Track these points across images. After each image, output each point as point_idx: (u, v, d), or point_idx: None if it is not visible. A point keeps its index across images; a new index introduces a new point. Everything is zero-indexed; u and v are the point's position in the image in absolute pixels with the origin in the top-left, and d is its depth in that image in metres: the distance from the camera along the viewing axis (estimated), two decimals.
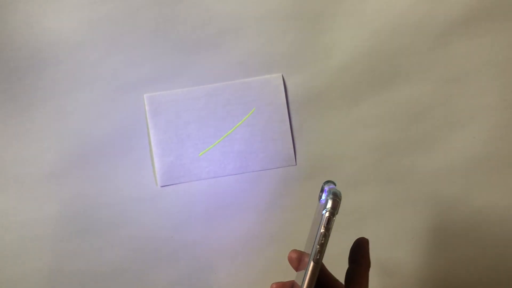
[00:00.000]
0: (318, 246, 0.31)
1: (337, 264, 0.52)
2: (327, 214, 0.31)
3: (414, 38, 0.53)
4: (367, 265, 0.35)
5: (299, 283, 0.32)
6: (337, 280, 0.37)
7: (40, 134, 0.51)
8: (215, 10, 0.52)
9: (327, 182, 0.34)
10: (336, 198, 0.31)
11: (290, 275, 0.53)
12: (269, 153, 0.53)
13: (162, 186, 0.52)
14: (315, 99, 0.53)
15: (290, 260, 0.38)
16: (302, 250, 0.38)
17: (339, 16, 0.53)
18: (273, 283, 0.37)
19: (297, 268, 0.37)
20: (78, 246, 0.51)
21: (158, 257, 0.52)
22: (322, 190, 0.34)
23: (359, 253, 0.36)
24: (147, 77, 0.52)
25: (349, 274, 0.35)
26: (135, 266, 0.52)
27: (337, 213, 0.31)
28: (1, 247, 0.51)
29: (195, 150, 0.52)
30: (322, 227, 0.31)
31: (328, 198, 0.31)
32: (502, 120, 0.54)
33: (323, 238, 0.31)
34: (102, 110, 0.52)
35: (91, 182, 0.51)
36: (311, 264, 0.31)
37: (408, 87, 0.53)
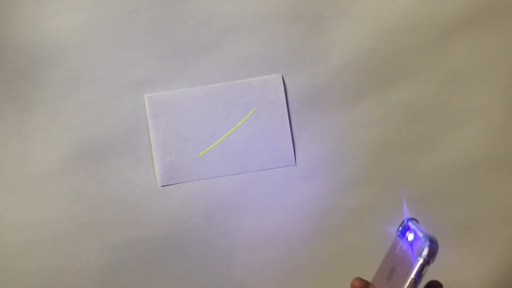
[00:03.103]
0: None
1: (335, 263, 0.52)
2: (421, 261, 0.30)
3: (414, 38, 0.53)
4: None
5: None
6: None
7: (40, 134, 0.51)
8: (215, 10, 0.52)
9: (412, 219, 0.33)
10: (434, 246, 0.30)
11: (289, 274, 0.53)
12: (269, 153, 0.53)
13: (162, 186, 0.52)
14: (315, 99, 0.53)
15: (353, 287, 0.37)
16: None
17: (339, 16, 0.53)
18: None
19: None
20: (78, 246, 0.51)
21: (158, 257, 0.52)
22: (402, 225, 0.33)
23: None
24: (148, 77, 0.52)
25: None
26: (135, 266, 0.52)
27: (432, 262, 0.30)
28: (1, 247, 0.51)
29: (195, 150, 0.52)
30: (414, 273, 0.30)
31: (426, 245, 0.30)
32: (502, 120, 0.54)
33: (414, 285, 0.30)
34: (103, 110, 0.52)
35: (91, 182, 0.51)
36: None
37: (408, 87, 0.53)
